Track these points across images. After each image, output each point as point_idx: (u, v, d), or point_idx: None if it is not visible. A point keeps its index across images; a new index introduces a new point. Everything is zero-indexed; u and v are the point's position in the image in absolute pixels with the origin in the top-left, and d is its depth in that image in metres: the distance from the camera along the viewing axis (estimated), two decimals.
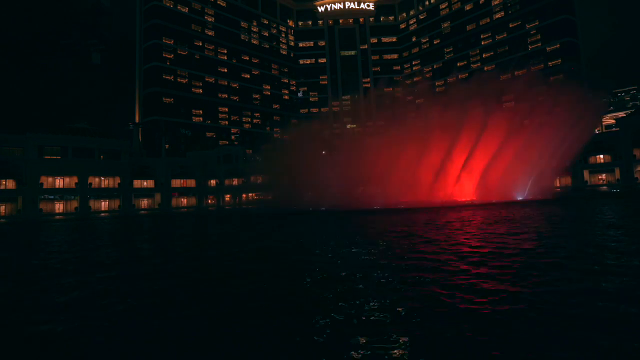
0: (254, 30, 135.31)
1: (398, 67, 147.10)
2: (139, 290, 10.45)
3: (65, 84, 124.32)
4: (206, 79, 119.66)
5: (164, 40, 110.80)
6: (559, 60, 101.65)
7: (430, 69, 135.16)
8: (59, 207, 71.61)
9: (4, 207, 65.86)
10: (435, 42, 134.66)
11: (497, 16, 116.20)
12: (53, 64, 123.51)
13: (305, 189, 58.49)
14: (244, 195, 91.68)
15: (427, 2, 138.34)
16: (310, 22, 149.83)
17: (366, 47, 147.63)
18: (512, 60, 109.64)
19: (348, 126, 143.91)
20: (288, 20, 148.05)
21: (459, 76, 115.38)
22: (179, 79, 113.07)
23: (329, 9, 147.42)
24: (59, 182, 71.88)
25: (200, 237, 26.55)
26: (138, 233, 31.34)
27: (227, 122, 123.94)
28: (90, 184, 74.59)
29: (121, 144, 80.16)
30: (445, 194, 52.82)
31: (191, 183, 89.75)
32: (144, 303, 9.17)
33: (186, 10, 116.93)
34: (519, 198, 54.14)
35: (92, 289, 10.73)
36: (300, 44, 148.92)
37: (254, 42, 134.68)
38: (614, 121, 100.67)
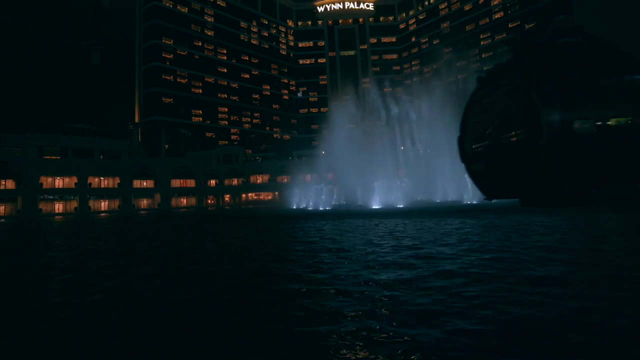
0: (254, 30, 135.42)
1: (398, 67, 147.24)
2: None
3: (65, 85, 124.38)
4: (206, 79, 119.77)
5: (163, 41, 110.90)
6: None
7: (429, 69, 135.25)
8: (58, 207, 71.75)
9: (3, 207, 65.98)
10: (434, 42, 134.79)
11: (496, 16, 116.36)
12: (52, 64, 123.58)
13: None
14: (243, 195, 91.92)
15: (426, 2, 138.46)
16: (309, 22, 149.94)
17: (366, 47, 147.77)
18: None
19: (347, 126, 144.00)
20: (288, 21, 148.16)
21: (458, 77, 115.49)
22: (178, 79, 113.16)
23: (328, 9, 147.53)
24: (59, 182, 72.01)
25: None
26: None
27: (226, 122, 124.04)
28: (90, 184, 74.73)
29: (121, 144, 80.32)
30: None
31: (191, 183, 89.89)
32: None
33: (186, 10, 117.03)
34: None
35: None
36: (300, 44, 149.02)
37: (254, 42, 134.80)
38: None
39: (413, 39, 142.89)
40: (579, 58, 4.94)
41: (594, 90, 4.63)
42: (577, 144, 4.58)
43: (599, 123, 4.58)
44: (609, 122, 4.61)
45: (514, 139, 4.90)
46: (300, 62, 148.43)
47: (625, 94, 4.74)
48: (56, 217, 62.89)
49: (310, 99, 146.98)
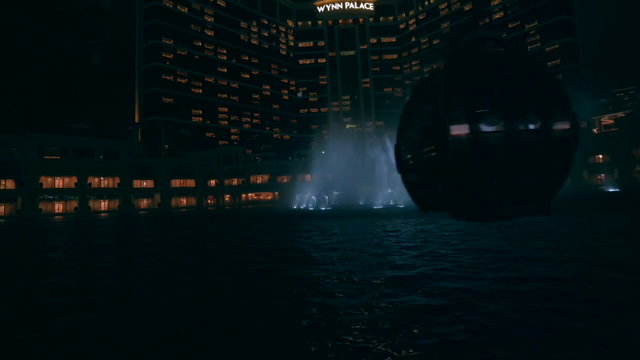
0: (254, 30, 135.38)
1: (397, 67, 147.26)
2: None
3: (65, 84, 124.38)
4: (206, 79, 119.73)
5: (163, 41, 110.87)
6: (558, 61, 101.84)
7: (429, 69, 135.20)
8: (58, 207, 71.73)
9: (3, 207, 65.96)
10: (434, 42, 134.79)
11: (496, 16, 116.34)
12: (52, 64, 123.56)
13: None
14: (243, 195, 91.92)
15: (426, 2, 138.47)
16: (309, 22, 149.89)
17: (366, 47, 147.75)
18: None
19: (347, 126, 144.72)
20: (287, 21, 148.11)
21: None
22: (178, 79, 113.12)
23: (328, 9, 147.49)
24: (59, 182, 71.99)
25: None
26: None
27: (226, 122, 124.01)
28: (90, 184, 74.71)
29: (121, 144, 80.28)
30: None
31: (191, 183, 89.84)
32: None
33: (186, 10, 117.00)
34: None
35: None
36: (300, 44, 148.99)
37: (254, 42, 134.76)
38: (612, 121, 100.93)
39: (413, 39, 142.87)
40: (493, 69, 4.81)
41: (504, 104, 4.51)
42: (483, 160, 4.48)
43: (507, 139, 4.47)
44: (517, 138, 4.50)
45: (431, 153, 4.83)
46: (300, 62, 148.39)
47: (536, 110, 4.63)
48: (56, 217, 62.89)
49: (310, 99, 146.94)
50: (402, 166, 5.68)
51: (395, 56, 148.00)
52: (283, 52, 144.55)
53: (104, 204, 77.19)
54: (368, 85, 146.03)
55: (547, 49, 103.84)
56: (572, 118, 4.47)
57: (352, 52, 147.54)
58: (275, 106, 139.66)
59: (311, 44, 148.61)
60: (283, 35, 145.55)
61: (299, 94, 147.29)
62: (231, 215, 48.88)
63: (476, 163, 4.31)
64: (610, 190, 66.63)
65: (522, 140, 4.27)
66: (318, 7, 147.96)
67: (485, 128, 4.29)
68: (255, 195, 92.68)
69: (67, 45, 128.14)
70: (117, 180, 78.22)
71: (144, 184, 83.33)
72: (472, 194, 4.50)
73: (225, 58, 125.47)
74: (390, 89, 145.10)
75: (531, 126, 4.35)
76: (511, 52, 4.87)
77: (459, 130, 4.24)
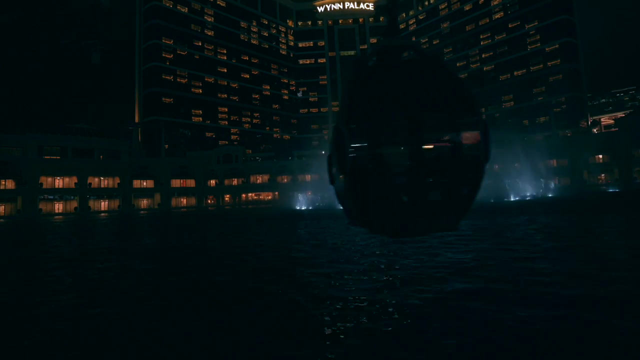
0: (254, 30, 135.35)
1: None
2: None
3: (65, 84, 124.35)
4: (206, 79, 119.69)
5: (163, 41, 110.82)
6: (558, 61, 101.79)
7: None
8: (58, 207, 71.71)
9: (3, 207, 65.95)
10: (434, 43, 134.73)
11: (496, 16, 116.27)
12: (52, 64, 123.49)
13: None
14: (243, 195, 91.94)
15: (426, 3, 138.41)
16: (309, 22, 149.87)
17: (366, 47, 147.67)
18: (511, 60, 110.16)
19: None
20: (288, 21, 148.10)
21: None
22: (178, 79, 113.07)
23: (328, 9, 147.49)
24: (59, 182, 71.97)
25: None
26: None
27: (226, 122, 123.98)
28: (90, 184, 74.69)
29: (121, 144, 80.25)
30: None
31: (191, 183, 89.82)
32: None
33: (186, 10, 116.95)
34: None
35: None
36: (300, 44, 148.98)
37: (254, 42, 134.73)
38: (613, 121, 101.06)
39: (413, 39, 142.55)
40: (400, 79, 4.44)
41: (409, 116, 4.17)
42: (384, 176, 4.17)
43: (410, 154, 4.13)
44: (422, 153, 4.16)
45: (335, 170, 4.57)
46: (300, 62, 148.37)
47: (444, 122, 4.31)
48: (56, 217, 62.87)
49: (310, 99, 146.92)
50: (332, 177, 5.38)
51: None
52: (283, 52, 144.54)
53: (104, 204, 77.17)
54: None
55: (547, 49, 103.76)
56: (483, 130, 4.18)
57: (352, 52, 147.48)
58: (275, 106, 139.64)
59: (311, 44, 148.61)
60: (283, 35, 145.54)
61: (299, 94, 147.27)
62: (231, 217, 48.78)
63: (376, 180, 4.00)
64: (610, 190, 66.59)
65: (428, 155, 3.95)
66: (318, 7, 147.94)
67: (387, 142, 3.97)
68: (255, 195, 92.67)
69: (67, 45, 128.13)
70: (117, 180, 78.20)
71: (144, 184, 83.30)
72: (375, 210, 4.21)
73: (225, 58, 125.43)
74: None
75: (438, 139, 4.06)
76: (424, 61, 4.53)
77: (359, 145, 3.93)
